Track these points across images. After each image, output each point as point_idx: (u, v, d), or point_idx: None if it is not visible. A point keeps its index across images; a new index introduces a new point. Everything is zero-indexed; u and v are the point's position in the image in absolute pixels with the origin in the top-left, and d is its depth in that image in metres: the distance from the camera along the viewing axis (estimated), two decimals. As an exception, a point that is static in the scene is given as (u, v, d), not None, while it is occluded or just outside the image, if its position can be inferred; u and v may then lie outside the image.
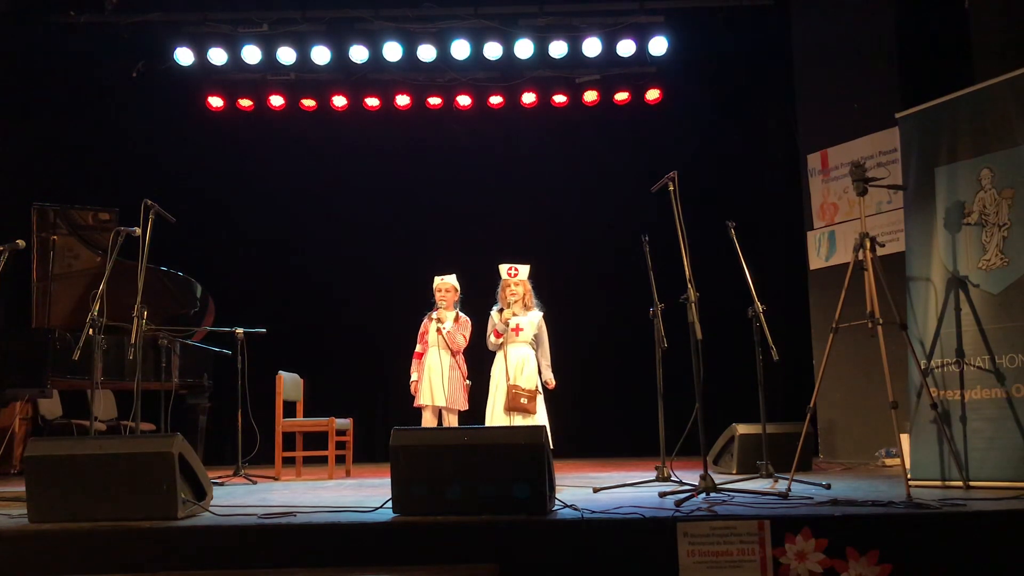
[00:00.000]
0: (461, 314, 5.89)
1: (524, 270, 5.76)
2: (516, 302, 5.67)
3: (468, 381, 5.85)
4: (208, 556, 3.09)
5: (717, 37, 8.37)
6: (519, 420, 5.43)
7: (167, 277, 6.39)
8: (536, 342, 5.72)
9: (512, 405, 5.44)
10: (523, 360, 5.60)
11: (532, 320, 5.71)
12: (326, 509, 3.60)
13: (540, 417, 5.53)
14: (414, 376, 5.82)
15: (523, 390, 5.48)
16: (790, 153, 7.92)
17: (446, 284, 5.86)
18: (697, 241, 4.29)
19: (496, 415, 5.51)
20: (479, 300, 6.14)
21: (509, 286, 5.70)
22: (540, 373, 5.66)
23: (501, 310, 5.70)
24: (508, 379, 5.50)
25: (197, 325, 6.67)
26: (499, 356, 5.66)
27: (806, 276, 7.36)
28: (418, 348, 5.89)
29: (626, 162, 8.54)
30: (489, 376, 5.75)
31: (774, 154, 8.53)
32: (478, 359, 6.09)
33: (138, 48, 8.37)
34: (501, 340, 5.63)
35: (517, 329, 5.64)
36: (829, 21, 7.21)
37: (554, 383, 5.71)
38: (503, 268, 5.77)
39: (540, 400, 5.60)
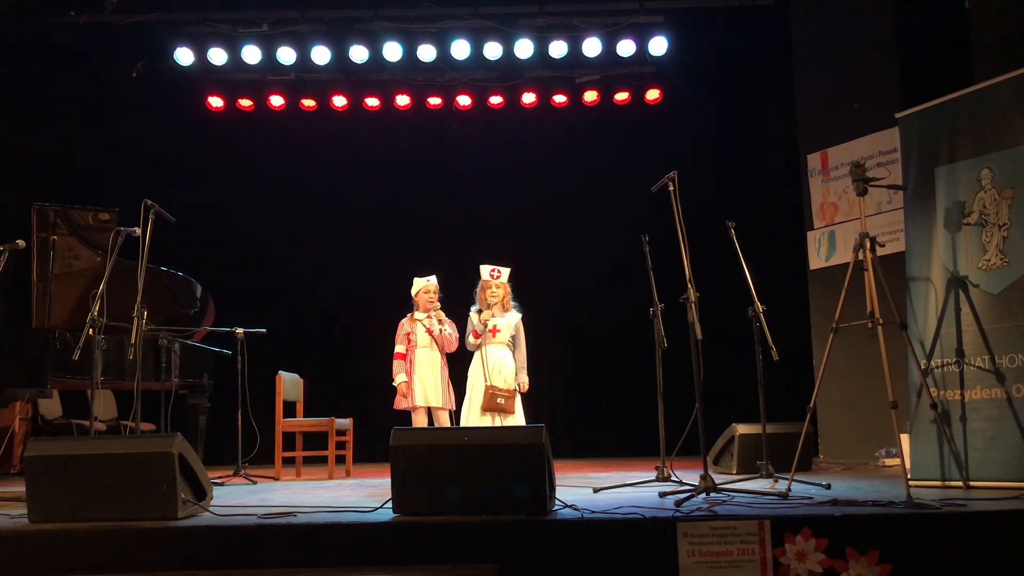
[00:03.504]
0: (444, 315, 5.85)
1: (506, 272, 5.75)
2: (496, 304, 5.66)
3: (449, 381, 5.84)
4: (208, 556, 3.09)
5: (717, 37, 8.37)
6: (497, 420, 5.42)
7: (167, 277, 6.39)
8: (513, 343, 5.71)
9: (489, 405, 5.40)
10: (500, 361, 5.57)
11: (510, 322, 5.69)
12: (326, 509, 3.60)
13: (518, 417, 5.51)
14: (402, 377, 5.73)
15: (500, 390, 5.45)
16: (790, 153, 7.92)
17: (432, 285, 5.82)
18: (697, 241, 4.28)
19: (472, 415, 5.48)
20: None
21: (491, 287, 5.67)
22: (516, 374, 5.66)
23: (480, 311, 5.68)
24: (486, 380, 5.49)
25: (197, 325, 6.67)
26: (476, 357, 5.61)
27: (806, 276, 7.36)
28: (400, 349, 5.80)
29: (626, 162, 8.54)
30: (465, 377, 5.73)
31: (774, 154, 8.53)
32: (454, 359, 6.07)
33: (138, 48, 8.37)
34: (479, 341, 5.61)
35: (494, 330, 5.61)
36: (829, 21, 7.20)
37: (527, 386, 5.67)
38: (485, 269, 5.73)
39: (518, 400, 5.57)
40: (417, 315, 5.79)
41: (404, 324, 5.85)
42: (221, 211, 8.62)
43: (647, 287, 4.98)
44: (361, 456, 7.31)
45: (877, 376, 4.44)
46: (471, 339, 5.63)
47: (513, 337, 5.71)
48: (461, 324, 5.85)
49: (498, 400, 5.42)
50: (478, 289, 5.76)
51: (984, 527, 3.03)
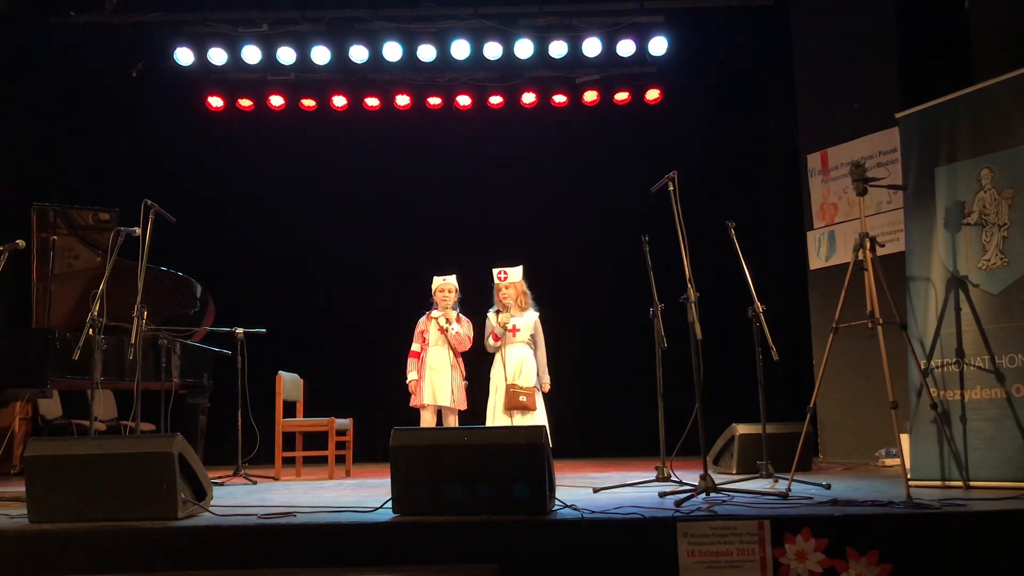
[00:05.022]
0: (461, 315, 5.89)
1: (514, 272, 5.77)
2: (511, 304, 5.69)
3: (466, 381, 5.85)
4: (208, 556, 3.09)
5: (717, 37, 8.37)
6: (519, 419, 5.44)
7: (167, 277, 6.39)
8: (533, 342, 5.73)
9: (511, 404, 5.45)
10: (522, 360, 5.62)
11: (528, 320, 5.73)
12: (326, 509, 3.60)
13: (540, 415, 5.54)
14: (413, 375, 5.79)
15: (521, 388, 5.50)
16: (790, 153, 7.92)
17: (449, 285, 5.85)
18: (697, 241, 4.29)
19: (497, 416, 5.52)
20: (478, 300, 6.14)
21: (500, 290, 5.73)
22: (539, 374, 5.67)
23: (498, 312, 5.71)
24: (507, 379, 5.51)
25: (197, 325, 6.67)
26: (497, 357, 5.67)
27: (806, 276, 7.36)
28: (415, 347, 5.86)
29: (626, 162, 8.54)
30: (488, 378, 5.75)
31: (774, 154, 8.53)
32: (474, 360, 6.08)
33: (138, 48, 8.37)
34: (499, 343, 5.64)
35: (514, 330, 5.66)
36: (829, 21, 7.20)
37: (549, 386, 5.72)
38: (494, 272, 5.79)
39: (539, 398, 5.62)
40: (434, 313, 5.82)
41: (421, 322, 5.89)
42: (221, 211, 8.63)
43: (647, 287, 4.98)
44: (361, 456, 7.31)
45: (877, 376, 4.43)
46: (490, 341, 5.67)
47: (532, 336, 5.73)
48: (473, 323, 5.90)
49: (520, 398, 5.46)
50: (494, 291, 5.80)
51: (984, 527, 3.03)
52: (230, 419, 6.10)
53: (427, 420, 5.71)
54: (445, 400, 5.65)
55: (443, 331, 5.72)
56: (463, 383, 5.80)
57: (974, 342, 4.22)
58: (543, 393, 5.70)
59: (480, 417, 5.78)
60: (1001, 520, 3.05)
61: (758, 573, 2.97)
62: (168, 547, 3.12)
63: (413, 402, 5.79)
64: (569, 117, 8.83)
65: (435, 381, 5.68)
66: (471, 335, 5.84)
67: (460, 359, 5.83)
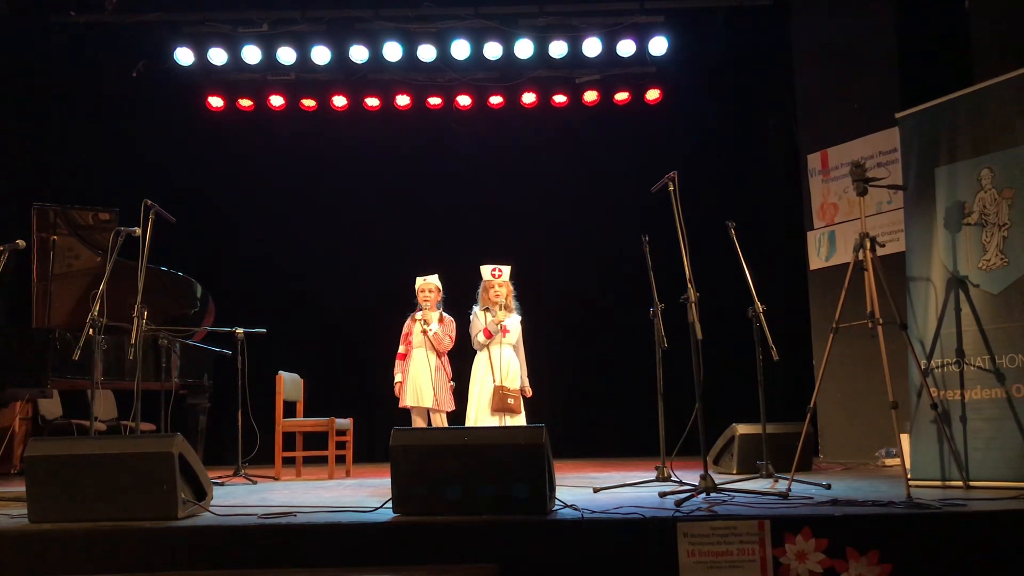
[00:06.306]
0: (445, 315, 5.83)
1: (507, 271, 5.74)
2: (502, 304, 5.64)
3: (452, 382, 5.81)
4: (208, 556, 3.09)
5: (717, 37, 8.39)
6: (507, 420, 5.40)
7: (167, 277, 6.39)
8: (516, 345, 5.70)
9: (500, 406, 5.38)
10: (509, 361, 5.56)
11: (516, 322, 5.69)
12: (326, 509, 3.60)
13: (522, 418, 5.50)
14: (398, 377, 5.73)
15: (509, 390, 5.44)
16: (790, 153, 7.92)
17: (430, 284, 5.80)
18: (697, 241, 4.29)
19: (481, 416, 5.45)
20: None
21: (493, 287, 5.65)
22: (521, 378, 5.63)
23: (487, 310, 5.64)
24: (495, 380, 5.47)
25: (197, 325, 6.67)
26: (483, 356, 5.57)
27: (806, 276, 7.36)
28: (401, 349, 5.80)
29: (626, 162, 8.54)
30: (469, 376, 5.70)
31: (774, 154, 8.53)
32: (459, 359, 6.05)
33: (138, 48, 8.38)
34: (490, 340, 5.58)
35: (505, 330, 5.60)
36: (829, 21, 7.21)
37: (531, 391, 5.66)
38: (486, 269, 5.72)
39: (521, 401, 5.57)
40: (417, 315, 5.79)
41: (406, 324, 5.86)
42: (221, 211, 8.62)
43: (647, 287, 4.98)
44: (361, 456, 7.31)
45: (877, 376, 4.44)
46: (481, 338, 5.59)
47: (517, 338, 5.69)
48: (461, 323, 5.85)
49: (508, 400, 5.40)
50: (480, 289, 5.75)
51: (984, 527, 3.04)
52: (230, 419, 6.09)
53: (416, 423, 5.68)
54: (427, 402, 5.60)
55: (424, 332, 5.68)
56: (449, 384, 5.76)
57: (974, 342, 4.22)
58: (525, 398, 5.64)
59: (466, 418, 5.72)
60: (1001, 520, 3.05)
61: (758, 573, 2.97)
62: (168, 547, 3.12)
63: (401, 404, 5.77)
64: (569, 117, 8.84)
65: (418, 383, 5.64)
66: (452, 335, 5.76)
67: (445, 359, 5.78)
